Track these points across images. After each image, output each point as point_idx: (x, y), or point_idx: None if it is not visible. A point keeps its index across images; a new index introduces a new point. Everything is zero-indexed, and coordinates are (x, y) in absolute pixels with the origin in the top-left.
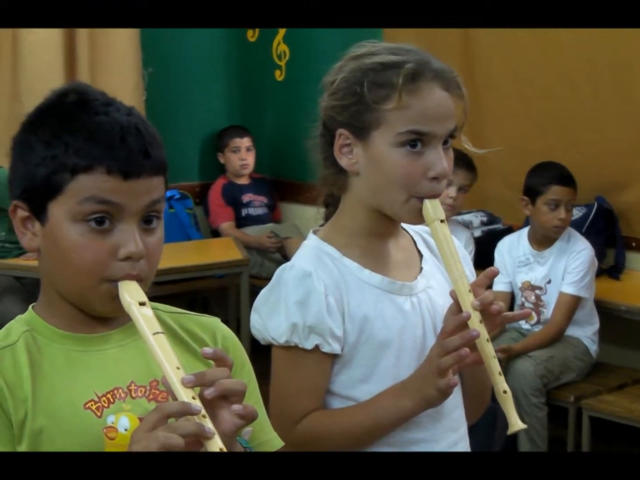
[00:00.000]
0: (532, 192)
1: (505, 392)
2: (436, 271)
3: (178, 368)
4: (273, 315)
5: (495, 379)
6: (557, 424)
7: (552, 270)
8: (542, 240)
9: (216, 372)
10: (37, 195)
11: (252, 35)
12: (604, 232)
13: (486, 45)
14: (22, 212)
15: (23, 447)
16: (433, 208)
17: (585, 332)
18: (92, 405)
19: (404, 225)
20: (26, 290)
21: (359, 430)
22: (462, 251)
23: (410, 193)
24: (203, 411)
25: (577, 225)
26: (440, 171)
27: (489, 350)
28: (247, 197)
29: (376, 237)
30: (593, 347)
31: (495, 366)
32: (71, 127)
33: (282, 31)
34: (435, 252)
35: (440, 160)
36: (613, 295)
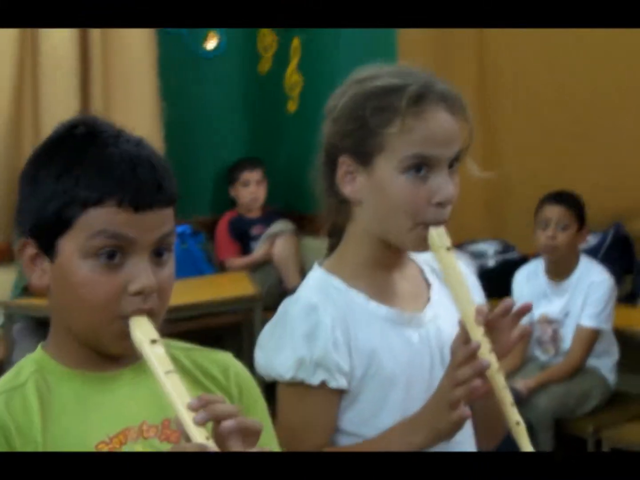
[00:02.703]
0: (535, 220)
1: (518, 423)
2: (445, 300)
3: None
4: (279, 350)
5: (507, 410)
6: None
7: (570, 303)
8: (558, 271)
9: (227, 407)
10: (47, 231)
11: (263, 67)
12: (621, 258)
13: (502, 63)
14: (31, 250)
15: None
16: (439, 236)
17: (604, 363)
18: (103, 447)
19: (411, 255)
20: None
21: None
22: (472, 278)
23: (415, 220)
24: None
25: (594, 251)
26: (445, 196)
27: (499, 381)
28: (255, 230)
29: (382, 268)
30: (611, 378)
31: (506, 397)
32: (81, 161)
33: (294, 62)
34: (443, 281)
35: (446, 184)
36: (631, 322)
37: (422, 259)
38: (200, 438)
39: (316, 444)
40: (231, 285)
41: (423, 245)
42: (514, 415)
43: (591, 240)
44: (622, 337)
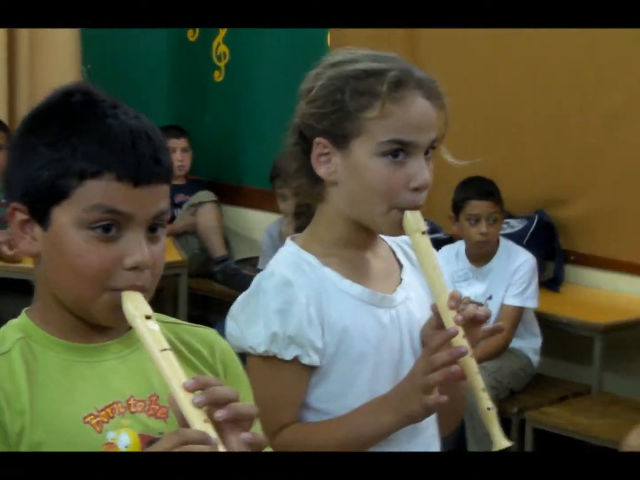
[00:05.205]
0: (455, 208)
1: (489, 408)
2: (415, 282)
3: None
4: (251, 323)
5: (479, 395)
6: None
7: (493, 286)
8: (478, 256)
9: (225, 391)
10: (40, 199)
11: (192, 35)
12: (544, 245)
13: (433, 54)
14: (21, 215)
15: None
16: (414, 219)
17: (528, 343)
18: (91, 419)
19: (382, 235)
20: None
21: (335, 445)
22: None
23: (390, 204)
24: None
25: (518, 237)
26: (422, 182)
27: (472, 366)
28: (179, 198)
29: (354, 248)
30: (535, 359)
31: (479, 382)
32: (79, 129)
33: (222, 32)
34: (414, 263)
35: (422, 170)
36: (553, 307)
37: (392, 239)
38: (199, 421)
39: (285, 419)
40: None
41: (398, 229)
42: (485, 401)
43: (516, 225)
44: (544, 321)
